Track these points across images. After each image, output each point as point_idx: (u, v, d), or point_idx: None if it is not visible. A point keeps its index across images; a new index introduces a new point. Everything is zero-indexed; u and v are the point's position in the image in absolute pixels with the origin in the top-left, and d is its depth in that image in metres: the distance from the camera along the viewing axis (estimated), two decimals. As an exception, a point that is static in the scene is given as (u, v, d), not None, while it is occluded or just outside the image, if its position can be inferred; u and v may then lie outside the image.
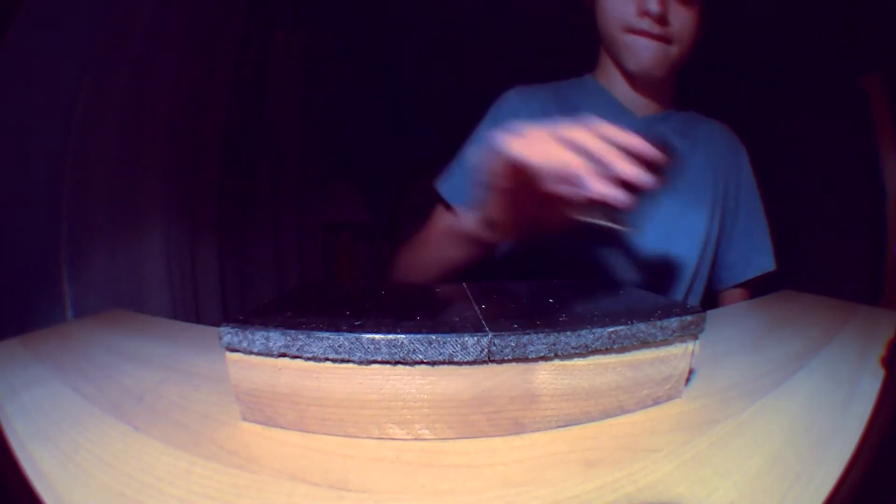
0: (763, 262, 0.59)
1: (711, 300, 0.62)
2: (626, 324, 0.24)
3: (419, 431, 0.23)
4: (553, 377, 0.24)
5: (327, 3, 0.99)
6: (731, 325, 0.42)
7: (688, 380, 0.28)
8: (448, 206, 0.54)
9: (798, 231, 0.87)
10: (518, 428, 0.24)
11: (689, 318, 0.26)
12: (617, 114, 0.57)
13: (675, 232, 0.55)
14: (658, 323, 0.25)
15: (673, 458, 0.22)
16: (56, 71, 0.56)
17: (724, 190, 0.58)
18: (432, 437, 0.23)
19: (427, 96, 1.09)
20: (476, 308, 0.27)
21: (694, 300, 0.57)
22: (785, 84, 0.88)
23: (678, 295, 0.56)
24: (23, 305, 0.54)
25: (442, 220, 0.54)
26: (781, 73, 0.88)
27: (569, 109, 0.56)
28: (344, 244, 1.27)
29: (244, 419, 0.25)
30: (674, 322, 0.26)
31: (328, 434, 0.23)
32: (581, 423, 0.25)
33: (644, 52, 0.52)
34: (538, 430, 0.24)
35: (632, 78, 0.57)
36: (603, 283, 0.38)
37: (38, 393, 0.29)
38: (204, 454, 0.22)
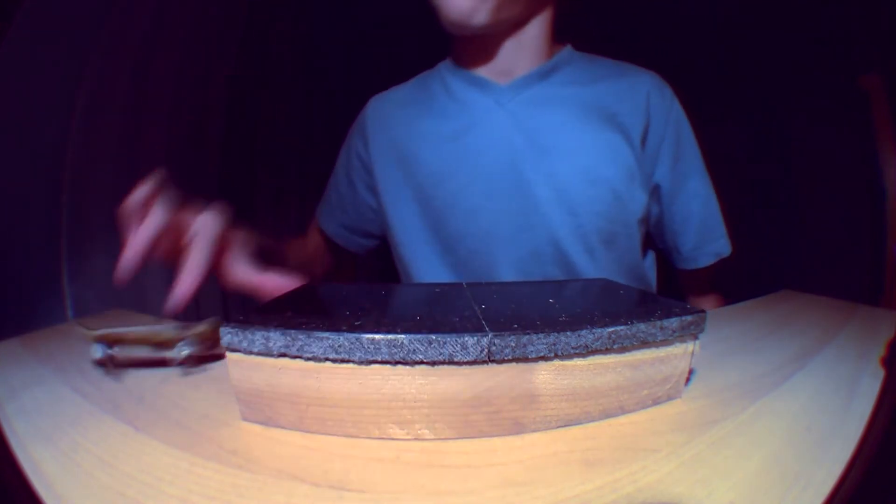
0: (716, 247, 0.53)
1: (672, 274, 0.57)
2: (626, 324, 0.24)
3: (419, 431, 0.23)
4: (553, 377, 0.24)
5: (328, 3, 0.99)
6: (731, 325, 0.42)
7: (688, 380, 0.28)
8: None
9: (798, 231, 0.87)
10: (518, 428, 0.24)
11: (689, 318, 0.26)
12: (475, 89, 0.50)
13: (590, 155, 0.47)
14: (658, 323, 0.25)
15: (673, 458, 0.22)
16: (56, 70, 0.56)
17: (656, 144, 0.50)
18: (432, 437, 0.23)
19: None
20: (476, 308, 0.27)
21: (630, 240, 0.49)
22: (785, 84, 0.88)
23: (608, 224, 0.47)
24: (23, 305, 0.54)
25: (314, 234, 0.63)
26: (781, 73, 0.88)
27: (431, 103, 0.52)
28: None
29: (244, 419, 0.25)
30: (674, 322, 0.26)
31: (328, 434, 0.23)
32: (581, 423, 0.25)
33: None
34: (538, 430, 0.24)
35: (466, 39, 0.49)
36: (603, 283, 0.38)
37: (38, 393, 0.29)
38: (204, 454, 0.22)
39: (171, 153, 0.74)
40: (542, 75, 0.49)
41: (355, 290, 0.34)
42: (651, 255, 0.56)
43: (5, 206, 0.52)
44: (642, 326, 0.25)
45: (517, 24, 0.48)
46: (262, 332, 0.23)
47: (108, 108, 0.63)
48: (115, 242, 0.64)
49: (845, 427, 0.24)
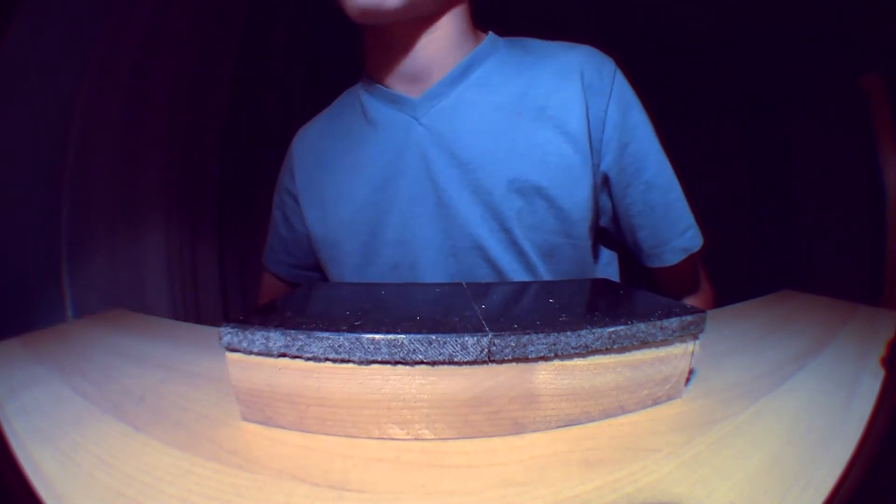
0: (682, 242, 0.45)
1: (645, 274, 0.50)
2: (626, 324, 0.24)
3: (419, 431, 0.23)
4: (553, 377, 0.24)
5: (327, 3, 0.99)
6: (731, 325, 0.42)
7: (688, 380, 0.28)
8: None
9: (798, 231, 0.87)
10: (518, 428, 0.24)
11: (689, 318, 0.26)
12: (389, 106, 0.45)
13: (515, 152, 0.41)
14: (658, 323, 0.25)
15: (673, 458, 0.22)
16: (56, 71, 0.56)
17: (598, 131, 0.42)
18: (432, 437, 0.23)
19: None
20: (476, 308, 0.27)
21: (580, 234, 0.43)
22: (785, 84, 0.88)
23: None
24: (23, 305, 0.54)
25: (268, 281, 0.60)
26: (782, 72, 0.88)
27: (348, 128, 0.49)
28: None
29: (244, 419, 0.25)
30: (674, 322, 0.26)
31: (328, 434, 0.23)
32: (581, 423, 0.25)
33: None
34: (538, 430, 0.24)
35: (377, 46, 0.44)
36: (603, 283, 0.38)
37: (38, 393, 0.29)
38: (204, 454, 0.22)
39: (172, 153, 0.74)
40: (458, 78, 0.44)
41: (355, 290, 0.34)
42: (608, 255, 0.50)
43: (6, 206, 0.52)
44: (642, 326, 0.25)
45: (429, 18, 0.42)
46: (262, 332, 0.23)
47: (108, 108, 0.63)
48: (115, 242, 0.63)
49: (845, 427, 0.24)
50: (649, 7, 0.89)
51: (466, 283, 0.36)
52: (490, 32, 0.46)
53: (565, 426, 0.24)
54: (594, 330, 0.24)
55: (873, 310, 0.46)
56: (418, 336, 0.22)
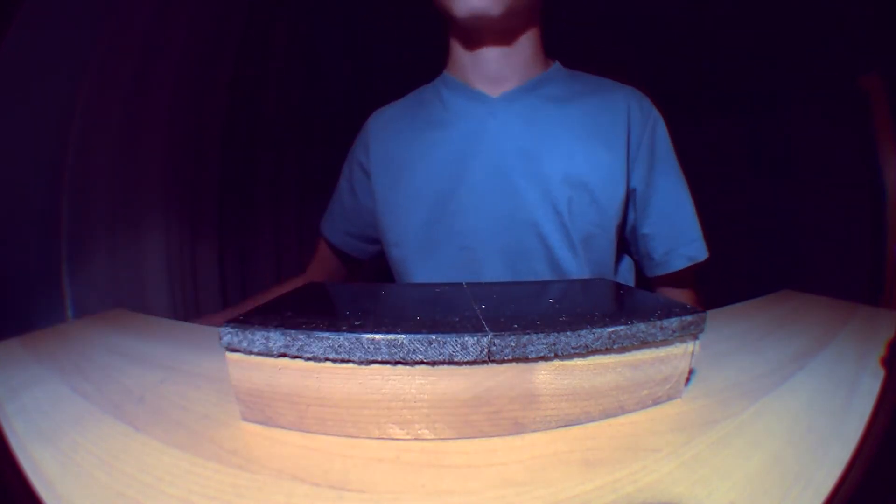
0: (689, 250, 0.52)
1: (646, 285, 0.57)
2: (626, 324, 0.24)
3: (419, 431, 0.23)
4: (553, 377, 0.24)
5: (327, 2, 0.99)
6: (731, 325, 0.42)
7: (688, 380, 0.28)
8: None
9: (798, 231, 0.87)
10: (518, 428, 0.24)
11: (689, 318, 0.26)
12: (468, 100, 0.53)
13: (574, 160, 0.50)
14: (658, 323, 0.25)
15: (673, 458, 0.22)
16: (56, 71, 0.56)
17: (635, 151, 0.52)
18: (432, 437, 0.23)
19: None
20: (476, 308, 0.27)
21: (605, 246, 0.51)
22: (785, 84, 0.88)
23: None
24: (23, 305, 0.54)
25: (322, 249, 0.68)
26: (782, 72, 0.88)
27: (427, 113, 0.56)
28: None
29: (244, 419, 0.25)
30: (674, 322, 0.26)
31: (328, 434, 0.23)
32: (581, 423, 0.25)
33: None
34: (538, 430, 0.24)
35: (472, 41, 0.52)
36: (603, 283, 0.38)
37: (38, 393, 0.29)
38: (204, 454, 0.22)
39: (172, 153, 0.74)
40: (532, 88, 0.53)
41: (355, 290, 0.34)
42: (628, 262, 0.58)
43: (6, 206, 0.52)
44: (642, 326, 0.25)
45: (515, 32, 0.52)
46: (262, 332, 0.23)
47: (108, 108, 0.63)
48: (115, 242, 0.63)
49: (845, 427, 0.24)
50: (650, 7, 0.89)
51: (466, 283, 0.36)
52: (557, 61, 0.56)
53: (565, 426, 0.24)
54: (594, 330, 0.24)
55: (873, 310, 0.46)
56: (418, 336, 0.22)
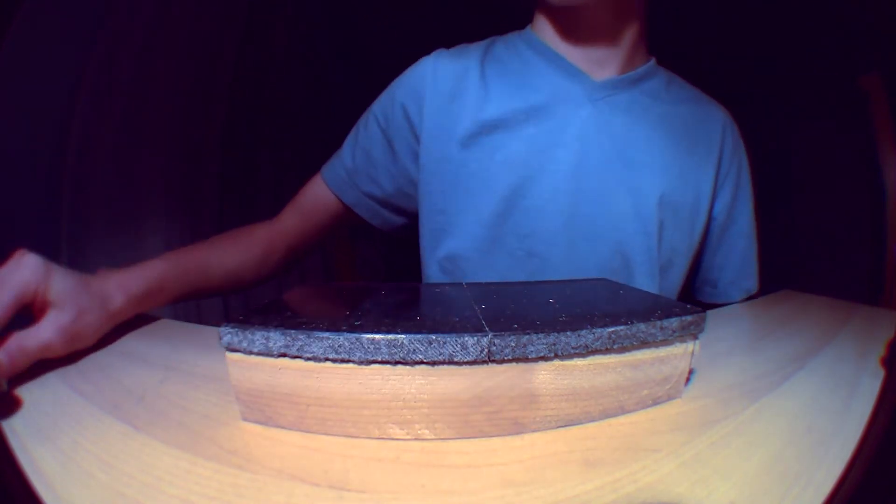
0: (748, 284, 0.54)
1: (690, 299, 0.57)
2: (626, 324, 0.24)
3: (419, 431, 0.23)
4: (553, 377, 0.24)
5: (327, 2, 0.99)
6: (731, 325, 0.42)
7: (688, 380, 0.28)
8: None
9: (798, 231, 0.87)
10: (518, 428, 0.24)
11: (689, 318, 0.26)
12: (566, 76, 0.46)
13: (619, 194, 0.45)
14: (658, 323, 0.25)
15: (673, 458, 0.22)
16: (57, 70, 0.56)
17: (723, 178, 0.50)
18: (432, 437, 0.23)
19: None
20: (476, 308, 0.27)
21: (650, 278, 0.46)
22: (785, 84, 0.88)
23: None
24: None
25: (311, 195, 0.55)
26: (782, 73, 0.88)
27: (508, 81, 0.46)
28: (343, 244, 1.27)
29: (244, 419, 0.25)
30: (674, 322, 0.26)
31: (328, 434, 0.23)
32: (581, 423, 0.25)
33: None
34: (538, 430, 0.24)
35: (564, 20, 0.45)
36: (603, 283, 0.38)
37: (38, 393, 0.29)
38: (204, 454, 0.22)
39: (172, 153, 0.74)
40: (636, 80, 0.47)
41: (355, 290, 0.34)
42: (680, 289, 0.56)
43: (6, 206, 0.52)
44: (642, 326, 0.25)
45: (619, 15, 0.45)
46: (262, 332, 0.23)
47: (108, 108, 0.63)
48: (115, 242, 0.63)
49: (845, 427, 0.24)
50: (649, 7, 0.89)
51: (466, 283, 0.36)
52: (653, 58, 0.50)
53: (565, 426, 0.24)
54: (594, 330, 0.24)
55: (873, 310, 0.46)
56: (418, 336, 0.22)
